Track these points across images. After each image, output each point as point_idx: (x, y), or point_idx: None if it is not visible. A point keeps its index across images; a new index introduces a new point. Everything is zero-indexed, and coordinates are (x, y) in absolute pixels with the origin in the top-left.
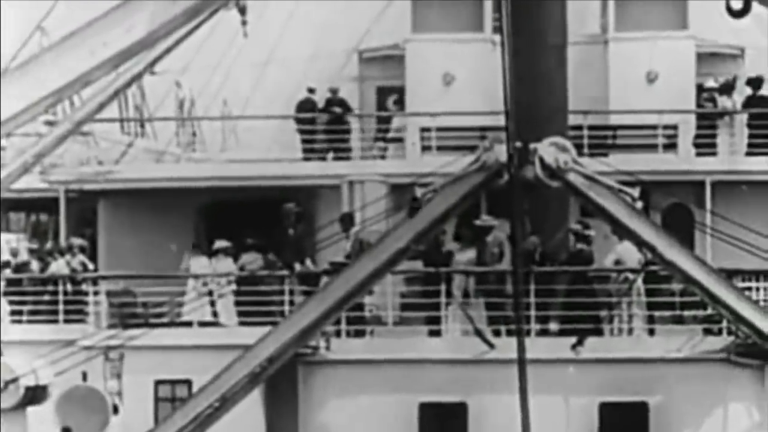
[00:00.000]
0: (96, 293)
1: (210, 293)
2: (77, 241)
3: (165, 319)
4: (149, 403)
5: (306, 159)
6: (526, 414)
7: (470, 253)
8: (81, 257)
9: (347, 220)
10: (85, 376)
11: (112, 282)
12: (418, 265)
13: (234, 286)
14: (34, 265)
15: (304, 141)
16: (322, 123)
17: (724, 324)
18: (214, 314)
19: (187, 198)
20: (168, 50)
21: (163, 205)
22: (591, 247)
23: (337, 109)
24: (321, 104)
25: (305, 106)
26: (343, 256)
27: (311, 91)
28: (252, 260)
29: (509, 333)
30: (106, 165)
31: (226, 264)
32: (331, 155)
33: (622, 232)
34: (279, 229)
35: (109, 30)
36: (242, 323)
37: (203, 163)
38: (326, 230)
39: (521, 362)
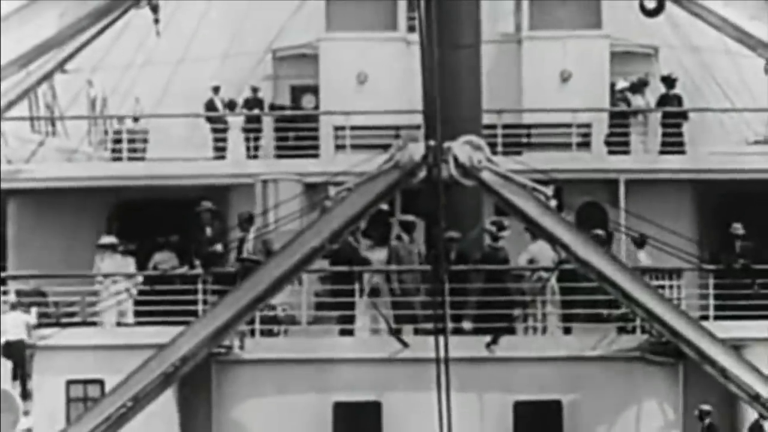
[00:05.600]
0: (5, 293)
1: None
2: None
3: (76, 319)
4: (61, 403)
5: (217, 158)
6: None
7: (381, 253)
8: None
9: (246, 221)
10: None
11: (22, 282)
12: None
13: (126, 285)
14: None
15: (215, 140)
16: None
17: (638, 322)
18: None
19: (100, 197)
20: (79, 49)
21: (75, 205)
22: (503, 245)
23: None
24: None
25: (208, 106)
26: (235, 258)
27: (216, 90)
28: (165, 259)
29: (416, 332)
30: (16, 164)
31: (113, 262)
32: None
33: (536, 230)
34: (195, 228)
35: (18, 28)
36: (153, 323)
37: (115, 162)
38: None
39: (442, 361)
